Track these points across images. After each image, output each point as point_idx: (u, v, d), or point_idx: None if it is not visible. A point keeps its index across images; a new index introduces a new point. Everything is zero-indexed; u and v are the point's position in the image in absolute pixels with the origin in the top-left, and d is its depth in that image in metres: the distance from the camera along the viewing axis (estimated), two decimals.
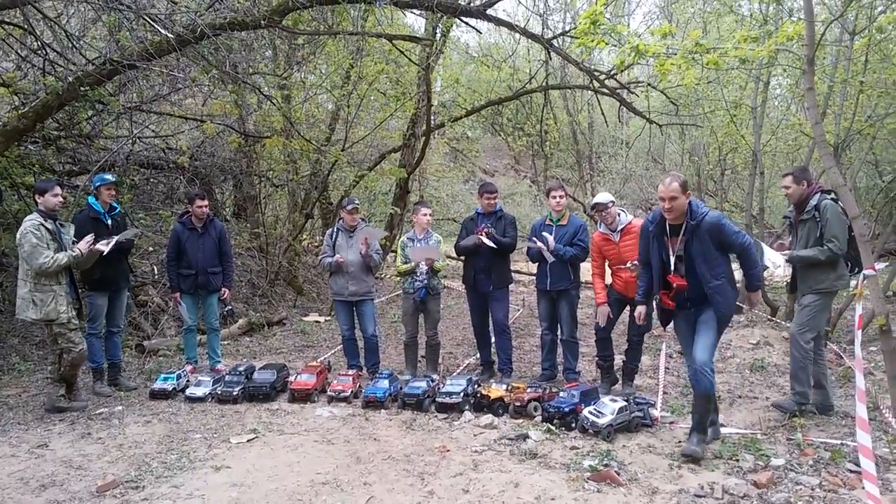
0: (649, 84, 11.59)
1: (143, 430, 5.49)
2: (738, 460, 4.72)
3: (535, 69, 14.67)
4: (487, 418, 5.67)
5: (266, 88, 11.42)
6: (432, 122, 12.63)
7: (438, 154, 18.80)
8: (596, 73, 11.07)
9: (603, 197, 6.47)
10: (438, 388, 6.15)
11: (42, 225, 5.81)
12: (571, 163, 26.60)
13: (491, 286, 6.97)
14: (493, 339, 7.29)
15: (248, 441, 5.22)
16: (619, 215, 6.42)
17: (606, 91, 11.34)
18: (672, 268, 4.99)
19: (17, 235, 5.82)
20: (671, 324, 5.37)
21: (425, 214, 7.19)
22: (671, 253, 4.98)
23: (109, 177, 6.89)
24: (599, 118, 19.68)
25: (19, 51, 8.60)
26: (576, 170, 26.26)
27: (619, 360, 6.84)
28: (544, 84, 12.88)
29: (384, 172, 13.47)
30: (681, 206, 4.84)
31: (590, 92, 14.51)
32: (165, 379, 6.57)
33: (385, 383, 6.21)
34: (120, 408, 6.14)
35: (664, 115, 13.97)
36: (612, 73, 11.34)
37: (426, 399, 6.01)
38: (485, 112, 16.88)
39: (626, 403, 5.40)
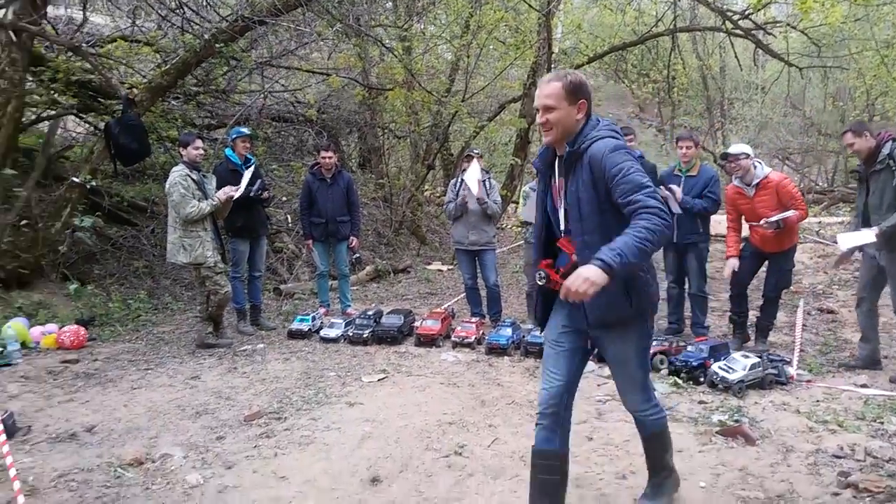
0: (788, 24, 10.77)
1: (282, 367, 5.88)
2: (882, 422, 4.45)
3: (661, 11, 13.95)
4: None
5: (387, 41, 11.55)
6: (553, 69, 12.36)
7: None
8: (729, 14, 10.42)
9: (736, 148, 6.11)
10: None
11: (188, 175, 6.22)
12: (701, 110, 25.24)
13: None
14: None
15: (379, 380, 5.47)
16: (754, 167, 6.05)
17: (740, 32, 10.66)
18: (561, 225, 3.03)
19: (167, 185, 6.27)
20: (550, 324, 3.23)
21: None
22: (559, 202, 3.04)
23: (245, 130, 7.28)
24: (732, 62, 18.51)
25: (159, 11, 9.12)
26: (705, 117, 24.90)
27: (752, 316, 6.56)
28: (672, 27, 12.27)
29: (504, 123, 13.37)
30: (563, 123, 2.92)
31: (722, 34, 13.67)
32: (301, 320, 6.97)
33: (508, 331, 6.29)
34: (262, 345, 6.58)
35: (804, 57, 12.94)
36: (746, 13, 10.62)
37: None
38: (608, 58, 16.30)
39: (758, 360, 5.19)
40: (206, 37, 8.28)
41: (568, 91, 2.91)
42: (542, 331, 3.26)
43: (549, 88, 2.93)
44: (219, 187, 6.53)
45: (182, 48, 8.69)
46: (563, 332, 3.10)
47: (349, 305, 7.88)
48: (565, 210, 2.99)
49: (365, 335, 6.55)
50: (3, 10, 7.51)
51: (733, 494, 3.53)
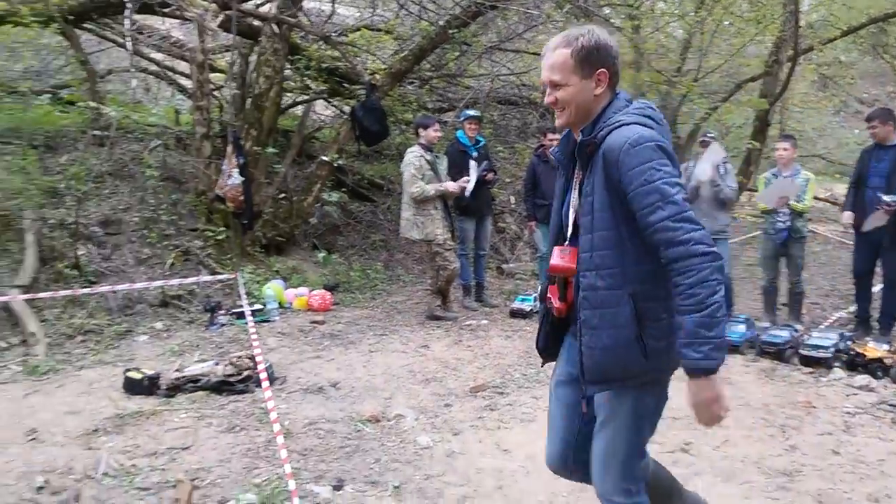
0: None
1: (505, 343, 6.04)
2: None
3: None
4: (863, 379, 5.05)
5: (616, 20, 11.24)
6: (799, 45, 11.23)
7: (804, 82, 16.70)
8: None
9: None
10: (803, 340, 5.64)
11: (422, 156, 6.57)
12: None
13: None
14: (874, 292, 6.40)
15: None
16: None
17: None
18: (568, 229, 2.34)
19: (402, 165, 6.69)
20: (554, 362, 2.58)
21: (786, 149, 6.50)
22: (572, 199, 2.35)
23: (473, 112, 7.53)
24: None
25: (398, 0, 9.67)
26: None
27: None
28: None
29: (740, 104, 12.45)
30: (577, 103, 2.24)
31: None
32: (523, 300, 7.10)
33: (741, 327, 5.89)
34: (485, 321, 6.81)
35: None
36: None
37: (788, 349, 5.57)
38: (864, 32, 14.45)
39: None
40: (441, 23, 8.64)
41: (579, 59, 2.20)
42: (542, 364, 2.60)
43: (553, 57, 2.23)
44: (450, 168, 6.85)
45: (418, 35, 9.14)
46: (561, 379, 2.46)
47: None
48: (575, 214, 2.30)
49: None
50: (269, 5, 8.44)
51: None
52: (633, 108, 2.22)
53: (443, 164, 6.87)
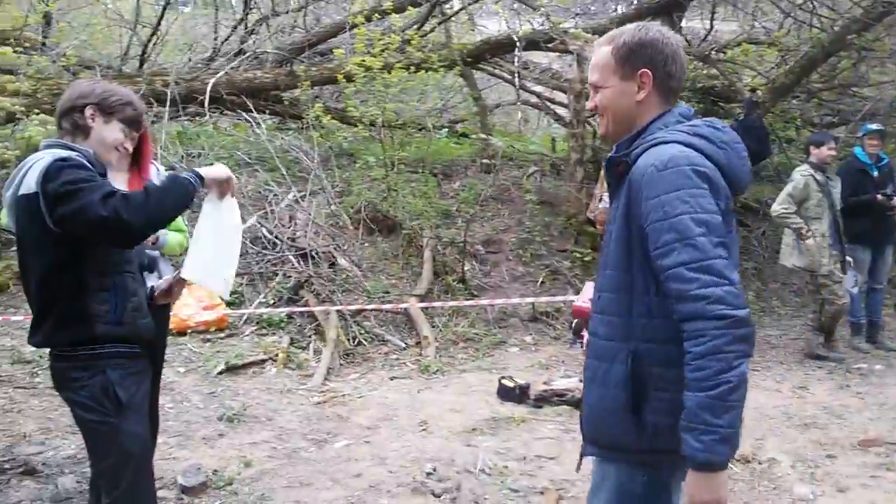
0: None
1: None
2: None
3: None
4: None
5: None
6: None
7: None
8: None
9: None
10: None
11: (812, 176, 6.00)
12: None
13: None
14: None
15: None
16: None
17: None
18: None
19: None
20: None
21: None
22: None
23: (875, 126, 6.67)
24: None
25: (784, 8, 8.93)
26: None
27: None
28: None
29: None
30: (614, 109, 1.85)
31: None
32: None
33: None
34: (879, 366, 5.95)
35: None
36: None
37: None
38: None
39: None
40: (836, 28, 7.77)
41: (619, 57, 1.82)
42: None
43: (596, 56, 1.87)
44: (843, 189, 6.16)
45: (807, 44, 8.36)
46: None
47: None
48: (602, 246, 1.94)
49: None
50: None
51: None
52: (686, 124, 1.79)
53: (836, 186, 6.19)
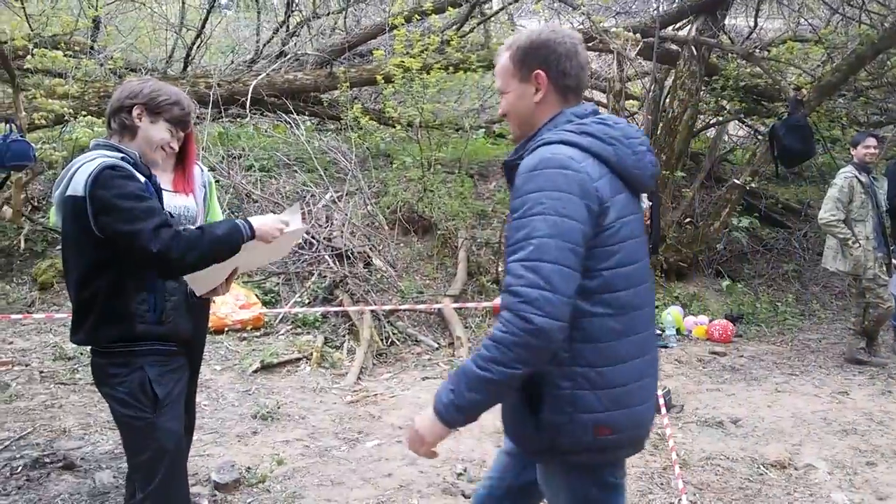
0: None
1: None
2: None
3: None
4: None
5: None
6: None
7: None
8: None
9: None
10: None
11: (855, 177, 5.85)
12: None
13: None
14: None
15: None
16: None
17: None
18: None
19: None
20: None
21: None
22: None
23: None
24: None
25: (831, 4, 8.71)
26: None
27: None
28: None
29: None
30: (516, 113, 1.88)
31: None
32: None
33: None
34: None
35: None
36: None
37: None
38: None
39: None
40: (887, 24, 7.55)
41: (517, 60, 1.84)
42: None
43: (498, 63, 1.90)
44: (890, 189, 6.00)
45: (855, 41, 8.15)
46: None
47: None
48: None
49: None
50: (688, 28, 8.41)
51: None
52: (574, 123, 1.78)
53: (882, 188, 6.03)
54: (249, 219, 2.37)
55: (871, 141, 5.96)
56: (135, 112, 2.37)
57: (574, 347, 1.70)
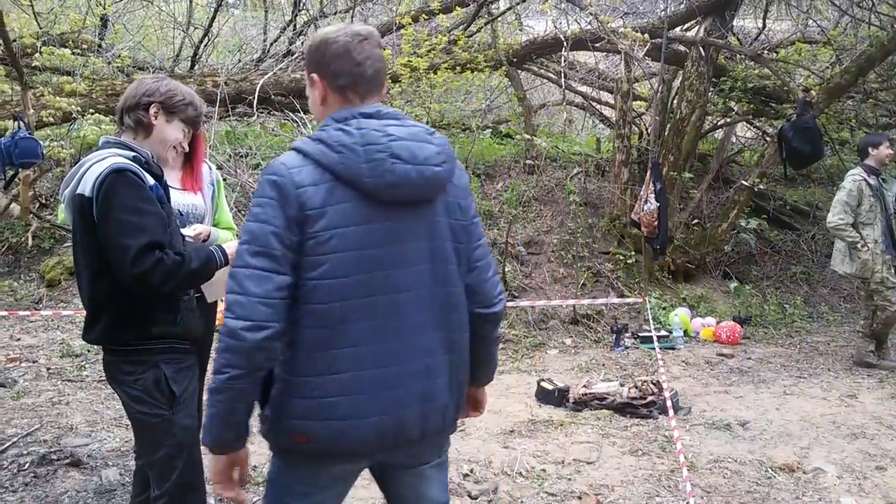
0: None
1: None
2: None
3: None
4: None
5: None
6: None
7: None
8: None
9: None
10: None
11: (864, 180, 5.81)
12: None
13: None
14: None
15: None
16: None
17: None
18: None
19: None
20: None
21: None
22: None
23: None
24: None
25: (840, 5, 8.67)
26: None
27: None
28: None
29: None
30: (316, 115, 1.87)
31: None
32: None
33: None
34: None
35: None
36: None
37: None
38: None
39: None
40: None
41: (305, 67, 1.88)
42: None
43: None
44: None
45: (864, 42, 8.11)
46: None
47: None
48: None
49: None
50: (696, 28, 8.38)
51: None
52: (320, 128, 1.76)
53: (890, 189, 5.99)
54: (223, 245, 2.43)
55: (884, 144, 5.92)
56: (152, 110, 2.37)
57: (287, 353, 1.71)
